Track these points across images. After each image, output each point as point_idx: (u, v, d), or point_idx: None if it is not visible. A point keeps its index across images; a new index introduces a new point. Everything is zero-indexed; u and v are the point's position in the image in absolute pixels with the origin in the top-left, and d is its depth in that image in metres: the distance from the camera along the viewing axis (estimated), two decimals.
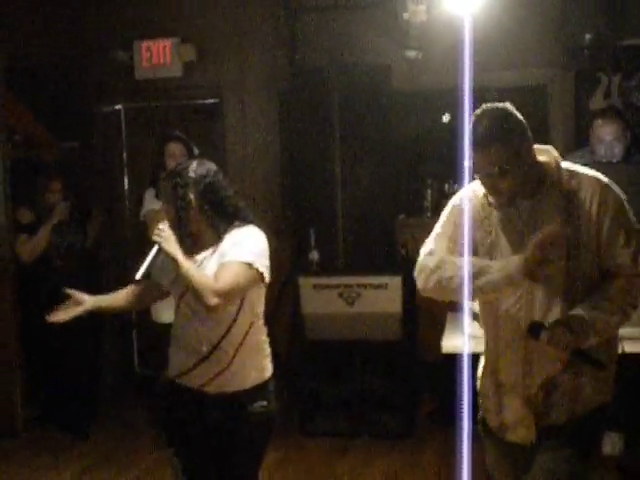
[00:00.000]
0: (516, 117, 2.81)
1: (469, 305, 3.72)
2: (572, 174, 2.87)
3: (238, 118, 6.74)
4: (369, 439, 5.65)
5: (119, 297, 3.41)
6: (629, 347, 3.84)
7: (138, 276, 3.11)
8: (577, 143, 6.11)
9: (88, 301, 3.34)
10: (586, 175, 2.88)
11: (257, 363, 3.24)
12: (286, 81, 6.50)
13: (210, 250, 3.15)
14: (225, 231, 3.15)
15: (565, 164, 2.92)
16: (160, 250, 3.09)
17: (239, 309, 3.13)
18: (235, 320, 3.12)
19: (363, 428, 5.71)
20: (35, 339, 6.01)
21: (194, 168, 3.14)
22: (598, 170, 3.01)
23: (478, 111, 2.81)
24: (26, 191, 5.97)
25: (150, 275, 3.19)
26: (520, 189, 2.82)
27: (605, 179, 2.88)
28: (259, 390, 3.22)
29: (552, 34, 6.06)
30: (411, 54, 6.14)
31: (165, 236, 3.08)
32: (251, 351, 3.20)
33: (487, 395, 3.08)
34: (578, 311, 2.75)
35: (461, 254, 2.87)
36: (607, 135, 5.00)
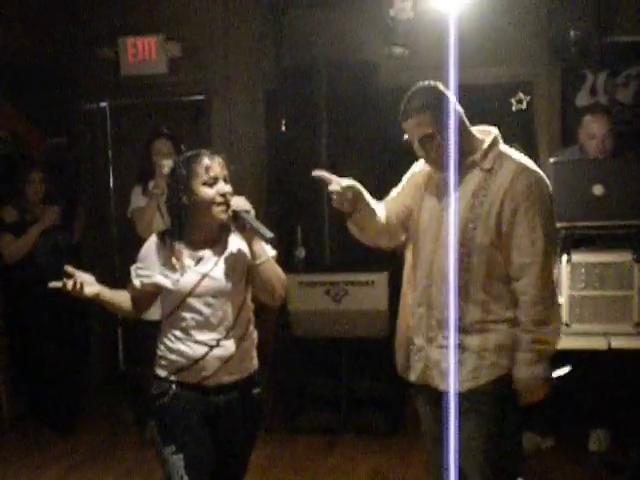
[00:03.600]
0: (445, 94, 3.07)
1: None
2: (501, 156, 3.10)
3: (224, 115, 6.72)
4: (356, 436, 5.65)
5: (120, 295, 3.30)
6: (615, 343, 3.86)
7: (270, 234, 3.07)
8: (563, 140, 6.13)
9: (95, 284, 3.20)
10: (513, 159, 3.09)
11: (252, 353, 3.32)
12: (272, 78, 6.49)
13: (214, 249, 3.19)
14: (227, 231, 3.22)
15: (503, 147, 3.13)
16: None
17: (244, 300, 3.23)
18: (240, 311, 3.21)
19: (350, 425, 5.71)
20: (21, 337, 5.99)
21: None
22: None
23: (414, 87, 3.12)
24: (10, 188, 5.93)
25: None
26: (450, 156, 3.06)
27: (528, 165, 3.08)
28: (253, 377, 3.30)
29: (538, 31, 6.07)
30: (397, 51, 6.13)
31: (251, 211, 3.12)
32: (251, 340, 3.29)
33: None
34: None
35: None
36: (598, 131, 5.03)
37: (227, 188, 3.12)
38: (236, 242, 3.22)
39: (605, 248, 4.53)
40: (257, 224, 3.07)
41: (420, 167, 3.35)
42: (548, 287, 3.04)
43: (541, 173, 3.08)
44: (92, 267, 6.72)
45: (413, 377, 3.28)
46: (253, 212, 3.11)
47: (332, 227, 5.76)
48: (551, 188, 3.10)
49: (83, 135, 7.12)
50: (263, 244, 3.15)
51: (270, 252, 3.21)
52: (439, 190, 3.17)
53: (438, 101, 3.04)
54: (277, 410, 5.85)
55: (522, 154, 3.16)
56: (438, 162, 3.09)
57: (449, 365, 3.07)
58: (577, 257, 4.29)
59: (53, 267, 5.87)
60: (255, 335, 3.34)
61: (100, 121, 7.13)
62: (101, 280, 3.23)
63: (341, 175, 3.24)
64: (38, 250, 5.81)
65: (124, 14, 6.77)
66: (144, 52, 6.66)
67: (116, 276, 6.59)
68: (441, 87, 3.09)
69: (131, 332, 6.70)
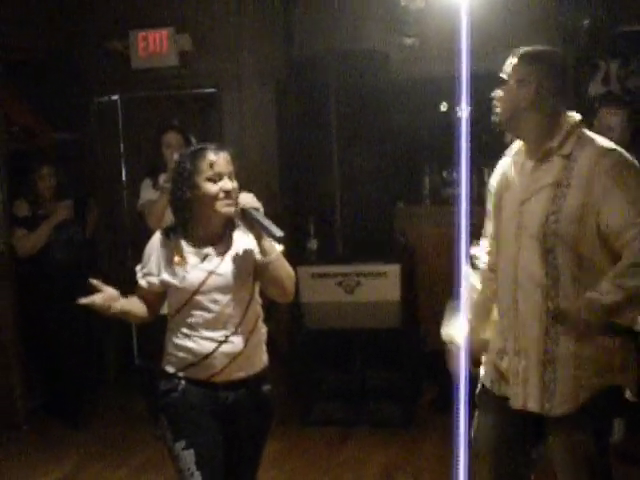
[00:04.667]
0: (556, 65, 2.95)
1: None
2: (582, 141, 2.88)
3: (235, 107, 6.71)
4: (369, 428, 5.65)
5: (135, 303, 3.28)
6: None
7: (280, 233, 3.02)
8: None
9: (119, 299, 3.19)
10: (594, 143, 2.87)
11: (261, 349, 3.30)
12: (283, 69, 6.48)
13: (219, 246, 3.16)
14: (231, 227, 3.20)
15: (585, 132, 2.92)
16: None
17: (251, 296, 3.22)
18: (248, 308, 3.19)
19: (363, 417, 5.71)
20: (35, 331, 6.00)
21: None
22: None
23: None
24: (22, 183, 5.95)
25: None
26: (507, 117, 2.94)
27: (611, 146, 2.86)
28: (264, 374, 3.29)
29: (550, 20, 6.03)
30: (408, 41, 6.12)
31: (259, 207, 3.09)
32: (259, 336, 3.27)
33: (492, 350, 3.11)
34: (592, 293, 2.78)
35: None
36: (615, 124, 5.04)
37: (230, 185, 3.08)
38: (242, 238, 3.19)
39: None
40: (266, 222, 3.03)
41: (498, 172, 3.15)
42: None
43: (626, 154, 2.86)
44: (105, 261, 6.79)
45: (495, 390, 3.07)
46: (262, 209, 3.09)
47: (344, 219, 5.75)
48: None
49: (95, 129, 7.12)
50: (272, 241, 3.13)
51: (277, 247, 3.17)
52: (519, 183, 2.98)
53: (536, 60, 2.94)
54: (290, 402, 5.85)
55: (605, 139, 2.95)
56: (502, 115, 2.96)
57: (542, 383, 2.89)
58: None
59: (66, 261, 5.90)
60: (264, 330, 3.32)
61: (111, 115, 7.13)
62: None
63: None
64: (51, 245, 5.83)
65: (134, 7, 6.76)
66: (155, 45, 6.66)
67: (128, 270, 6.60)
68: (563, 60, 3.00)
69: (145, 326, 6.70)
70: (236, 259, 3.15)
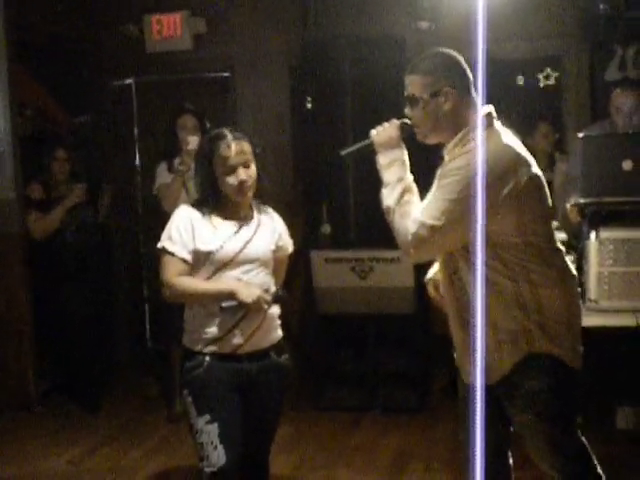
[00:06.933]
0: (453, 64, 2.93)
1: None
2: (470, 143, 2.85)
3: (249, 91, 6.70)
4: (382, 413, 5.65)
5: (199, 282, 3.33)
6: None
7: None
8: (592, 115, 6.06)
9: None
10: (469, 148, 2.84)
11: (276, 322, 3.42)
12: (298, 53, 6.45)
13: (249, 221, 3.34)
14: (256, 206, 3.39)
15: (481, 130, 2.84)
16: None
17: (271, 270, 3.41)
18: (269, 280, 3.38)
19: (376, 402, 5.71)
20: (47, 313, 6.03)
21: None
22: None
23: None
24: (36, 166, 5.96)
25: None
26: (430, 131, 2.97)
27: (486, 150, 2.77)
28: (280, 344, 3.42)
29: (567, 5, 6.01)
30: (424, 25, 6.08)
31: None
32: (275, 308, 3.38)
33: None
34: None
35: None
36: (625, 105, 4.98)
37: (244, 175, 3.22)
38: (268, 219, 3.41)
39: (634, 224, 4.48)
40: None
41: None
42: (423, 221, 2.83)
43: (496, 159, 2.77)
44: (118, 244, 6.80)
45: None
46: (273, 288, 3.31)
47: (357, 203, 5.74)
48: (499, 171, 2.77)
49: (109, 112, 7.13)
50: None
51: (290, 248, 3.52)
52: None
53: (436, 68, 2.91)
54: (303, 387, 5.86)
55: (509, 136, 2.92)
56: (420, 134, 3.01)
57: (467, 354, 2.99)
58: (605, 233, 4.22)
59: (79, 245, 5.91)
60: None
61: (126, 98, 7.13)
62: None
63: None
64: (64, 228, 5.84)
65: None
66: (169, 28, 6.66)
67: (141, 253, 6.64)
68: (454, 57, 2.94)
69: (158, 309, 6.73)
70: (266, 235, 3.34)
